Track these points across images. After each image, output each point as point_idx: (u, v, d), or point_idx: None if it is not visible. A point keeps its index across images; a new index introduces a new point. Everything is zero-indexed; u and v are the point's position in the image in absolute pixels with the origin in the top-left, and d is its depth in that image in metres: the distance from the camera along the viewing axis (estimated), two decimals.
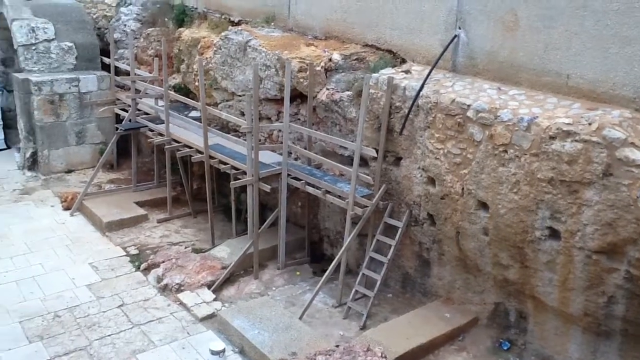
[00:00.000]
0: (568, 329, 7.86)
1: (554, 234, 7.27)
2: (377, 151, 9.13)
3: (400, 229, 9.21)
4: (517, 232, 7.60)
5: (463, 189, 8.11)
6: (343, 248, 9.51)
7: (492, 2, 8.28)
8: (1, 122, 16.76)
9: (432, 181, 8.67)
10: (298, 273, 10.75)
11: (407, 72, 9.25)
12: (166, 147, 12.42)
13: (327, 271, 9.46)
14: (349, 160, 9.79)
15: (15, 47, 14.99)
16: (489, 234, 8.00)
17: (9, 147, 16.74)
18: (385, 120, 9.02)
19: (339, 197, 9.55)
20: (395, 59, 9.89)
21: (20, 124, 15.04)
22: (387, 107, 8.95)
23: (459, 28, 8.79)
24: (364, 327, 9.00)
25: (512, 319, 8.60)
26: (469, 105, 7.87)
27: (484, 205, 7.96)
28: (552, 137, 6.92)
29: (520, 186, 7.36)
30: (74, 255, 11.15)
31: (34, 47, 14.84)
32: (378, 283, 9.24)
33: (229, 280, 10.26)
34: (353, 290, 9.49)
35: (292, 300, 9.91)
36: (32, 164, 15.08)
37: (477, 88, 8.26)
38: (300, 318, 9.06)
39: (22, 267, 10.61)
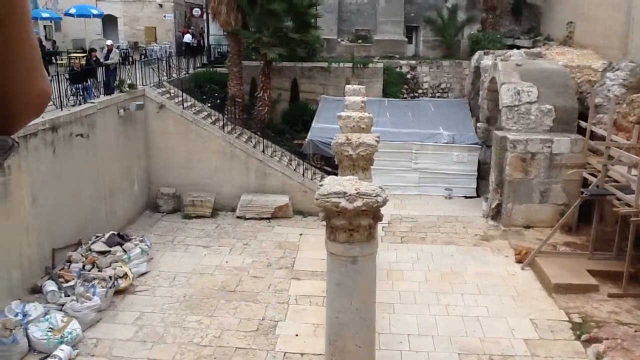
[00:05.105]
0: None
1: None
2: None
3: None
4: None
5: None
6: None
7: None
8: (477, 173, 18.78)
9: None
10: None
11: None
12: (632, 218, 11.57)
13: None
14: None
15: (499, 107, 16.51)
16: None
17: (478, 196, 18.64)
18: None
19: None
20: None
21: (492, 177, 16.46)
22: None
23: None
24: None
25: None
26: None
27: None
28: None
29: None
30: (517, 307, 11.52)
31: (516, 108, 16.02)
32: None
33: None
34: None
35: None
36: (496, 214, 16.25)
37: None
38: None
39: (469, 305, 11.57)
